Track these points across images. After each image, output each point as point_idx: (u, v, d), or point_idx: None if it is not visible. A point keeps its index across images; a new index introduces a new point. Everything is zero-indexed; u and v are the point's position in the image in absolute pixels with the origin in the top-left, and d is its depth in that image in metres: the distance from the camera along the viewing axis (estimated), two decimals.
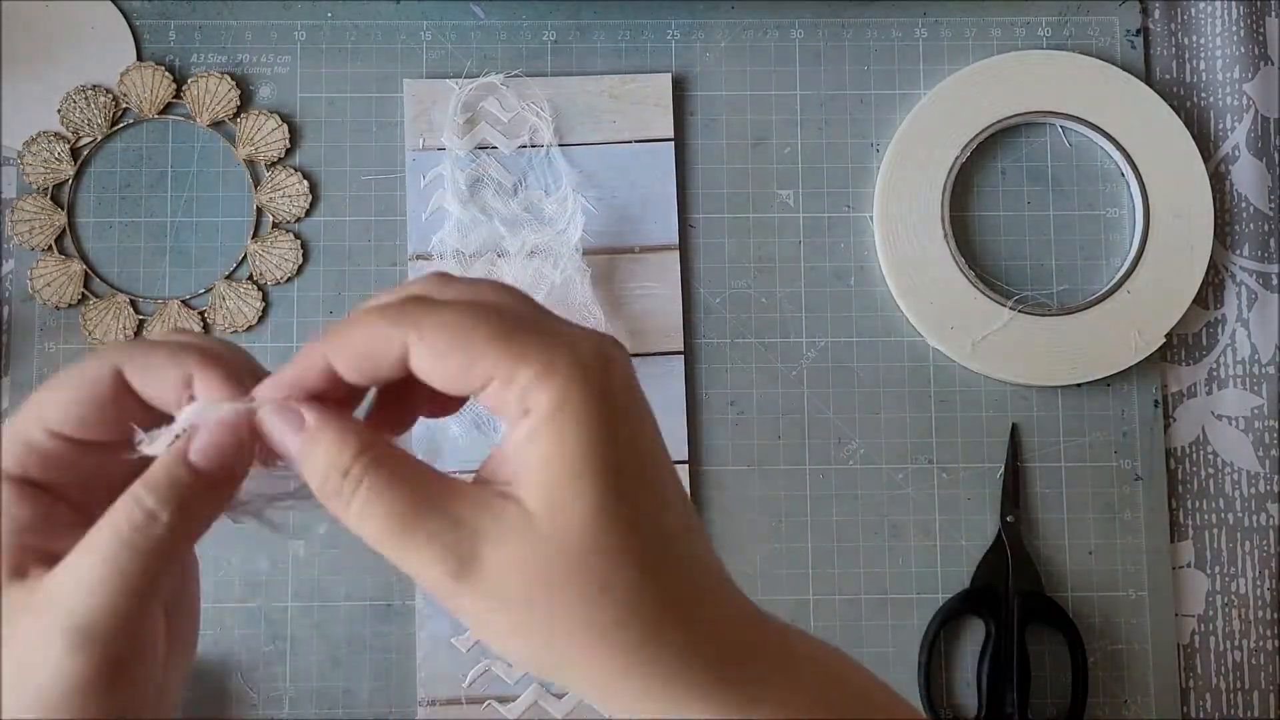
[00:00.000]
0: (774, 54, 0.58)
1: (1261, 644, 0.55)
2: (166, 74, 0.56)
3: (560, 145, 0.56)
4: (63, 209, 0.56)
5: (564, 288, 0.55)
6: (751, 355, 0.56)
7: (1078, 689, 0.53)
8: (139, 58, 0.57)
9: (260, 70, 0.57)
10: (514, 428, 0.28)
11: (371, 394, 0.31)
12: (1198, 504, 0.56)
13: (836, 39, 0.58)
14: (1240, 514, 0.56)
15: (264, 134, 0.56)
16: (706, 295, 0.56)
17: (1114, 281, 0.56)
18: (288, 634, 0.54)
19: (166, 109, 0.57)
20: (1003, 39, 0.58)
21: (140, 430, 0.29)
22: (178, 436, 0.28)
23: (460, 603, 0.27)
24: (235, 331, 0.55)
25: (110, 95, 0.56)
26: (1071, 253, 0.57)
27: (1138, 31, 0.58)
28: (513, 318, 0.28)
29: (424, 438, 0.54)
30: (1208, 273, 0.56)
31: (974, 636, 0.55)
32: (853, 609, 0.55)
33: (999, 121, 0.57)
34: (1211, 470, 0.56)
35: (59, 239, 0.56)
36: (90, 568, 0.27)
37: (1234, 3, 0.58)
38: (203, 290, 0.56)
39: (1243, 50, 0.58)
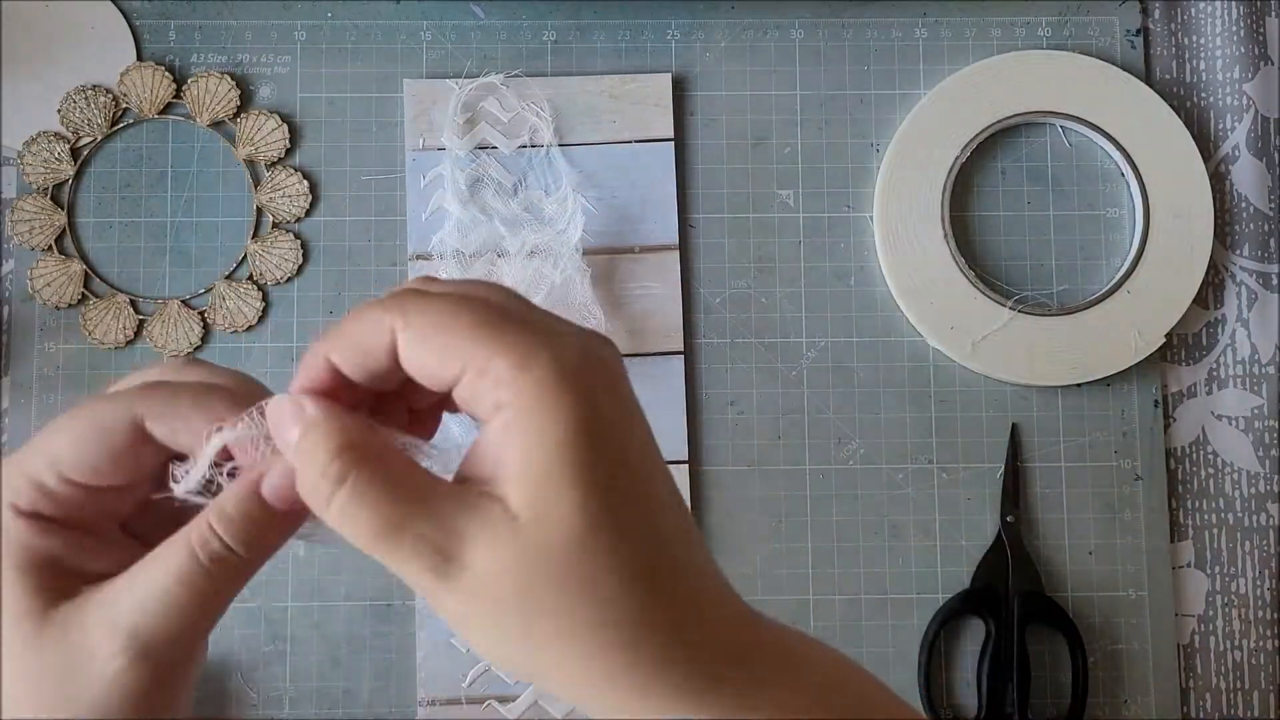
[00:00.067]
0: (774, 54, 0.58)
1: (1261, 644, 0.55)
2: (166, 74, 0.56)
3: (560, 145, 0.56)
4: (63, 209, 0.56)
5: (564, 288, 0.55)
6: (751, 355, 0.56)
7: (1078, 689, 0.53)
8: (139, 58, 0.57)
9: (260, 70, 0.57)
10: (488, 423, 0.27)
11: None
12: (1198, 504, 0.56)
13: (836, 39, 0.58)
14: (1240, 514, 0.56)
15: (264, 134, 0.56)
16: (706, 295, 0.56)
17: (1114, 281, 0.56)
18: (288, 634, 0.54)
19: (166, 109, 0.57)
20: (1003, 39, 0.58)
21: (175, 468, 0.29)
22: (214, 472, 0.28)
23: (443, 602, 0.27)
24: (235, 331, 0.55)
25: (110, 95, 0.56)
26: (1071, 253, 0.57)
27: (1138, 31, 0.58)
28: (499, 311, 0.27)
29: None
30: (1208, 273, 0.56)
31: (974, 636, 0.55)
32: (853, 609, 0.55)
33: (999, 121, 0.57)
34: (1211, 470, 0.56)
35: (59, 239, 0.56)
36: (163, 588, 0.28)
37: (1234, 3, 0.58)
38: (203, 290, 0.56)
39: (1243, 50, 0.58)
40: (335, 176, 0.57)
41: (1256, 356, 0.57)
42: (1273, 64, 0.59)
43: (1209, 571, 0.56)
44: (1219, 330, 0.57)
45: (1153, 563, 0.55)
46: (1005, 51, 0.58)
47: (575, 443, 0.26)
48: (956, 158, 0.57)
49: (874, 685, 0.30)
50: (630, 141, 0.57)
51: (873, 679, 0.30)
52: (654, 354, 0.55)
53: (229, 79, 0.57)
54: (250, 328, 0.55)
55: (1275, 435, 0.56)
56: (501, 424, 0.26)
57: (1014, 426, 0.56)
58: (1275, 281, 0.57)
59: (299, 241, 0.56)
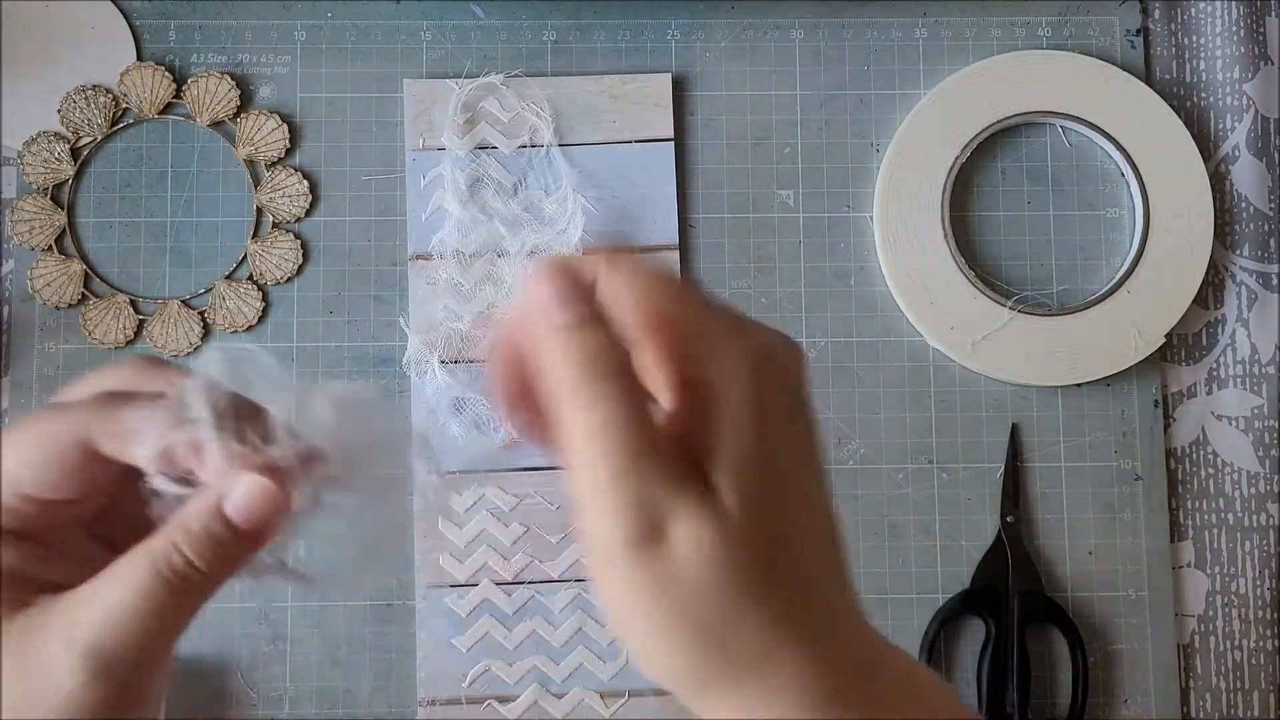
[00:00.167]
0: (774, 54, 0.58)
1: (1261, 644, 0.55)
2: (166, 74, 0.56)
3: (560, 145, 0.56)
4: (63, 209, 0.56)
5: None
6: None
7: (1078, 689, 0.53)
8: (139, 58, 0.57)
9: (260, 70, 0.57)
10: (701, 394, 0.26)
11: None
12: (1198, 504, 0.56)
13: (836, 39, 0.58)
14: (1240, 514, 0.56)
15: (264, 134, 0.56)
16: None
17: (1114, 281, 0.56)
18: (288, 634, 0.54)
19: (166, 109, 0.57)
20: (1003, 39, 0.58)
21: (152, 474, 0.28)
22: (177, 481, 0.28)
23: (625, 575, 0.26)
24: (235, 331, 0.55)
25: (110, 95, 0.56)
26: (1071, 253, 0.57)
27: (1138, 31, 0.58)
28: (722, 309, 0.27)
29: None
30: (1208, 273, 0.56)
31: (974, 636, 0.55)
32: None
33: (999, 121, 0.57)
34: (1211, 470, 0.56)
35: (59, 239, 0.56)
36: (123, 603, 0.27)
37: (1234, 3, 0.58)
38: (203, 290, 0.56)
39: (1243, 50, 0.58)
40: (335, 176, 0.57)
41: (1256, 356, 0.57)
42: (1273, 64, 0.59)
43: (1209, 571, 0.56)
44: (1219, 330, 0.57)
45: (1153, 563, 0.55)
46: (1005, 51, 0.58)
47: (794, 437, 0.27)
48: (956, 158, 0.57)
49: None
50: (630, 141, 0.57)
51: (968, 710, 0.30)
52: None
53: (229, 79, 0.57)
54: (250, 328, 0.55)
55: (1275, 435, 0.56)
56: (722, 409, 0.26)
57: (1014, 426, 0.56)
58: (1275, 281, 0.57)
59: (299, 241, 0.56)
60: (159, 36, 0.57)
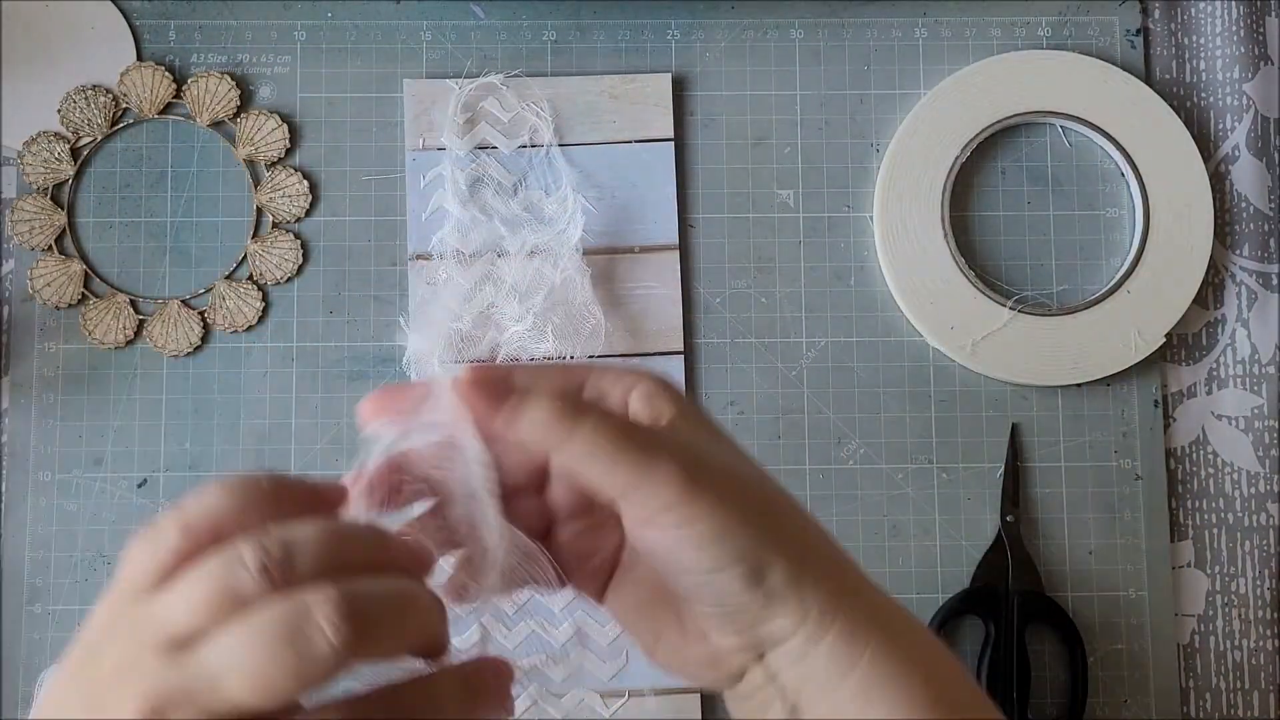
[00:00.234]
0: (774, 54, 0.58)
1: (1261, 644, 0.55)
2: (166, 74, 0.56)
3: (560, 145, 0.56)
4: (63, 209, 0.56)
5: (564, 288, 0.55)
6: (751, 355, 0.56)
7: (1078, 689, 0.53)
8: (139, 58, 0.57)
9: (260, 70, 0.57)
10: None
11: None
12: (1198, 504, 0.56)
13: (836, 39, 0.58)
14: (1240, 514, 0.56)
15: (264, 134, 0.56)
16: (706, 295, 0.56)
17: (1114, 281, 0.56)
18: None
19: (166, 109, 0.57)
20: (1003, 39, 0.58)
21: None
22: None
23: (691, 496, 0.32)
24: (235, 331, 0.55)
25: (110, 95, 0.56)
26: (1071, 253, 0.57)
27: (1138, 31, 0.58)
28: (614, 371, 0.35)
29: None
30: (1208, 273, 0.56)
31: (974, 636, 0.55)
32: None
33: (999, 121, 0.57)
34: (1211, 470, 0.56)
35: (59, 239, 0.56)
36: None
37: (1234, 3, 0.58)
38: (203, 290, 0.56)
39: (1243, 50, 0.58)
40: (335, 176, 0.57)
41: (1256, 356, 0.57)
42: (1273, 64, 0.59)
43: (1209, 571, 0.56)
44: (1219, 330, 0.57)
45: (1153, 563, 0.55)
46: (1005, 51, 0.58)
47: (707, 423, 0.35)
48: (956, 158, 0.57)
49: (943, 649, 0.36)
50: (630, 141, 0.57)
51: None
52: (654, 354, 0.55)
53: (229, 79, 0.57)
54: (250, 328, 0.55)
55: (1275, 435, 0.56)
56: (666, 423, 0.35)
57: (1014, 426, 0.56)
58: (1275, 281, 0.57)
59: (299, 241, 0.56)
60: (159, 36, 0.57)
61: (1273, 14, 0.59)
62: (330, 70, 0.57)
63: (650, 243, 0.56)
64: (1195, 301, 0.56)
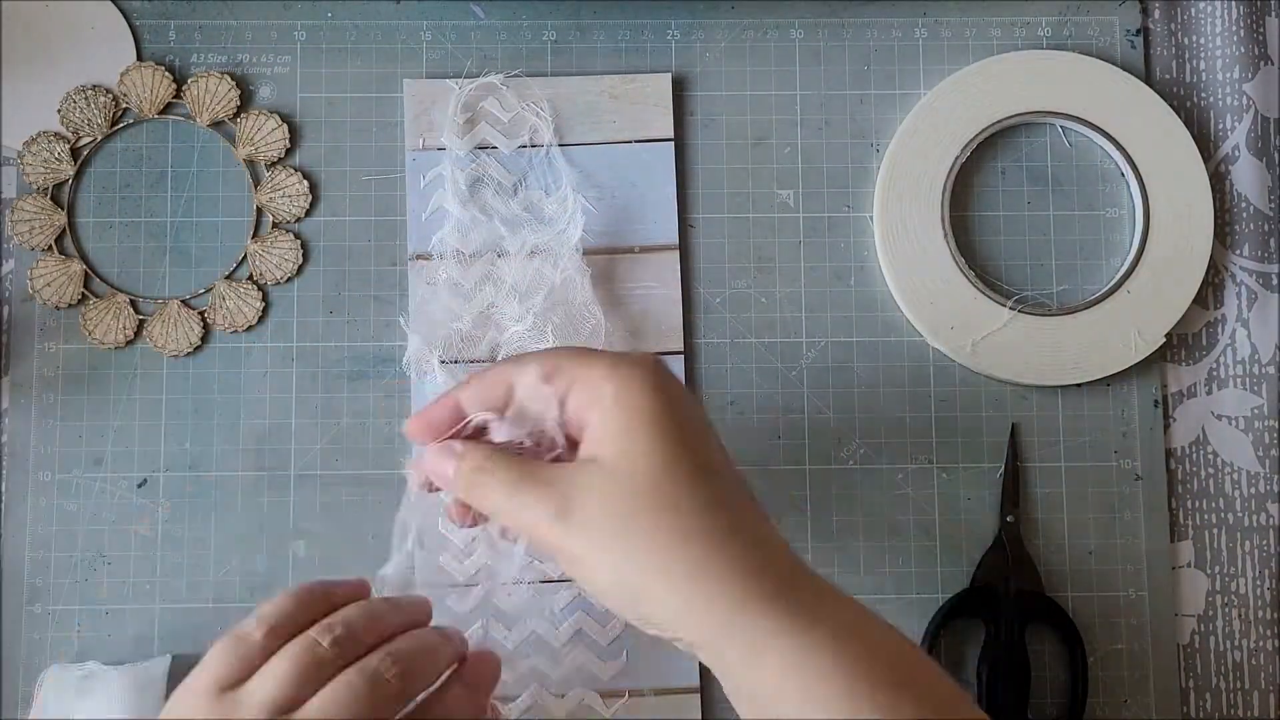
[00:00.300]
0: (774, 54, 0.58)
1: (1261, 644, 0.55)
2: (166, 74, 0.57)
3: (560, 145, 0.56)
4: (63, 209, 0.56)
5: (564, 288, 0.55)
6: (751, 355, 0.56)
7: (1078, 689, 0.53)
8: (139, 58, 0.57)
9: (260, 70, 0.57)
10: (589, 417, 0.39)
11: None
12: (1198, 504, 0.56)
13: (836, 39, 0.58)
14: (1240, 514, 0.56)
15: (264, 134, 0.56)
16: (706, 295, 0.56)
17: (1114, 281, 0.56)
18: None
19: (166, 109, 0.57)
20: (1003, 39, 0.58)
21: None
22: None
23: (564, 544, 0.38)
24: (235, 331, 0.55)
25: (110, 95, 0.56)
26: (1071, 253, 0.57)
27: (1138, 31, 0.58)
28: (585, 349, 0.41)
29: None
30: (1208, 273, 0.56)
31: (974, 636, 0.55)
32: None
33: (999, 121, 0.57)
34: (1211, 470, 0.56)
35: (59, 239, 0.56)
36: None
37: (1234, 3, 0.58)
38: (203, 290, 0.56)
39: (1243, 50, 0.58)
40: (335, 176, 0.57)
41: (1256, 356, 0.57)
42: (1273, 64, 0.59)
43: (1209, 571, 0.56)
44: (1219, 330, 0.57)
45: (1153, 563, 0.55)
46: (1005, 51, 0.58)
47: (655, 409, 0.37)
48: (956, 158, 0.57)
49: (902, 639, 0.38)
50: (630, 141, 0.57)
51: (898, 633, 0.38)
52: (654, 354, 0.55)
53: (229, 79, 0.57)
54: (250, 328, 0.55)
55: (1275, 435, 0.56)
56: (599, 413, 0.38)
57: (1014, 426, 0.56)
58: (1275, 281, 0.57)
59: (299, 241, 0.56)
60: (159, 36, 0.57)
61: (1273, 14, 0.59)
62: (330, 70, 0.57)
63: (650, 243, 0.56)
64: (1195, 301, 0.56)
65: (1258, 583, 0.55)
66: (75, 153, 0.56)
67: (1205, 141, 0.58)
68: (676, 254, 0.56)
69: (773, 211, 0.57)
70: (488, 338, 0.55)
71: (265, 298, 0.56)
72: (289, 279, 0.56)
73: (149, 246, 0.56)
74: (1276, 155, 0.58)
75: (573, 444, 0.40)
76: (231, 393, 0.55)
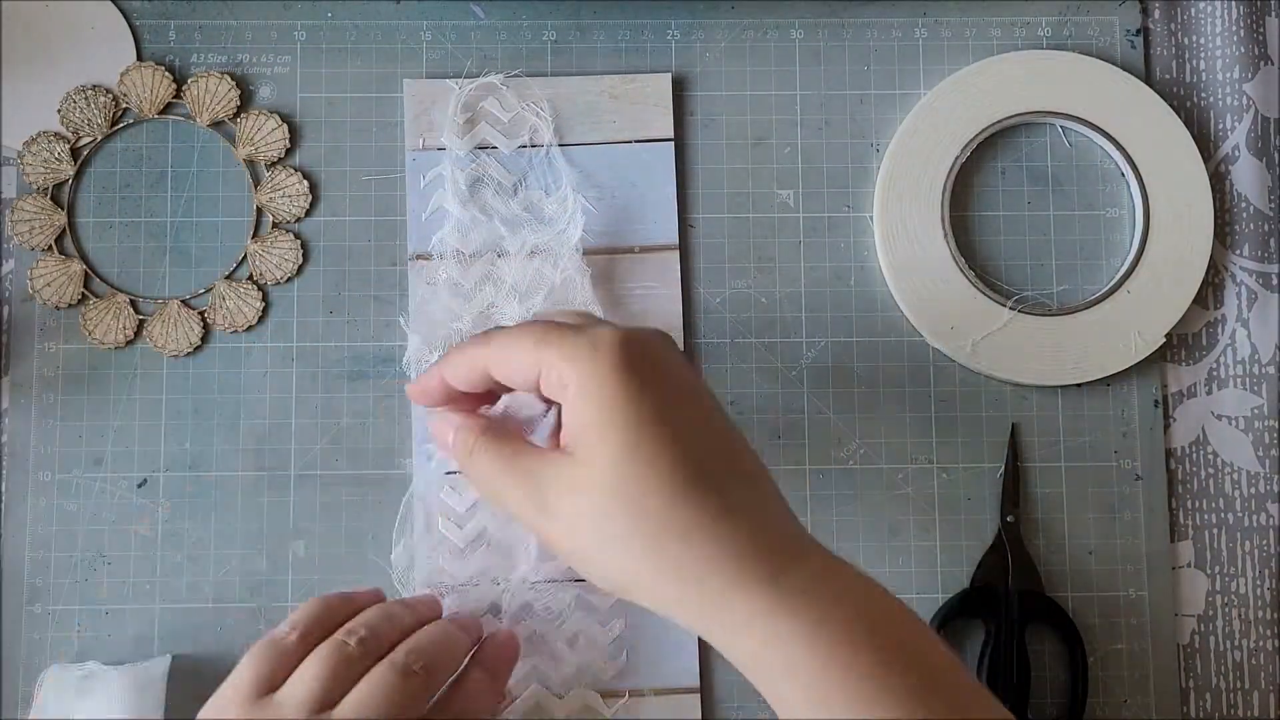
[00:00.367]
0: (774, 54, 0.58)
1: (1261, 644, 0.55)
2: (166, 74, 0.57)
3: (560, 145, 0.56)
4: (63, 209, 0.56)
5: (564, 288, 0.55)
6: (751, 355, 0.56)
7: (1078, 689, 0.53)
8: (139, 58, 0.57)
9: (260, 70, 0.57)
10: (562, 403, 0.38)
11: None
12: (1198, 504, 0.56)
13: (836, 39, 0.58)
14: (1240, 514, 0.56)
15: (264, 134, 0.56)
16: (706, 295, 0.56)
17: (1114, 281, 0.56)
18: None
19: (166, 109, 0.57)
20: (1003, 39, 0.58)
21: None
22: None
23: (548, 534, 0.38)
24: (235, 331, 0.55)
25: (110, 95, 0.56)
26: (1071, 253, 0.57)
27: (1138, 31, 0.58)
28: (553, 327, 0.39)
29: (425, 430, 0.54)
30: (1208, 273, 0.56)
31: (974, 636, 0.55)
32: None
33: (999, 121, 0.57)
34: (1211, 470, 0.56)
35: (59, 239, 0.56)
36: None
37: (1234, 3, 0.58)
38: (203, 290, 0.56)
39: (1243, 50, 0.58)
40: (335, 176, 0.57)
41: (1256, 356, 0.57)
42: (1273, 64, 0.59)
43: (1209, 571, 0.56)
44: (1219, 330, 0.57)
45: (1153, 563, 0.55)
46: (1005, 51, 0.58)
47: (613, 402, 0.36)
48: (956, 158, 0.57)
49: (908, 615, 0.38)
50: (630, 141, 0.57)
51: (906, 609, 0.38)
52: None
53: (229, 79, 0.57)
54: (250, 328, 0.55)
55: (1275, 435, 0.56)
56: (565, 404, 0.38)
57: (1014, 426, 0.56)
58: (1275, 281, 0.57)
59: (299, 241, 0.56)
60: (159, 36, 0.57)
61: (1273, 14, 0.59)
62: (330, 70, 0.57)
63: (650, 243, 0.56)
64: (1195, 301, 0.56)
65: (1258, 583, 0.55)
66: (75, 153, 0.56)
67: (1205, 141, 0.58)
68: (676, 254, 0.56)
69: (773, 211, 0.57)
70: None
71: (265, 298, 0.56)
72: (289, 279, 0.56)
73: (149, 246, 0.56)
74: (1276, 155, 0.58)
75: None
76: (231, 393, 0.55)
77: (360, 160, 0.57)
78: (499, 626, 0.53)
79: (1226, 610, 0.55)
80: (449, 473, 0.54)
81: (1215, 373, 0.57)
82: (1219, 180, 0.58)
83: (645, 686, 0.53)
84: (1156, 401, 0.56)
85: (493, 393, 0.44)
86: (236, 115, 0.57)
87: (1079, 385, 0.56)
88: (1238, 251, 0.58)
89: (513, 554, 0.53)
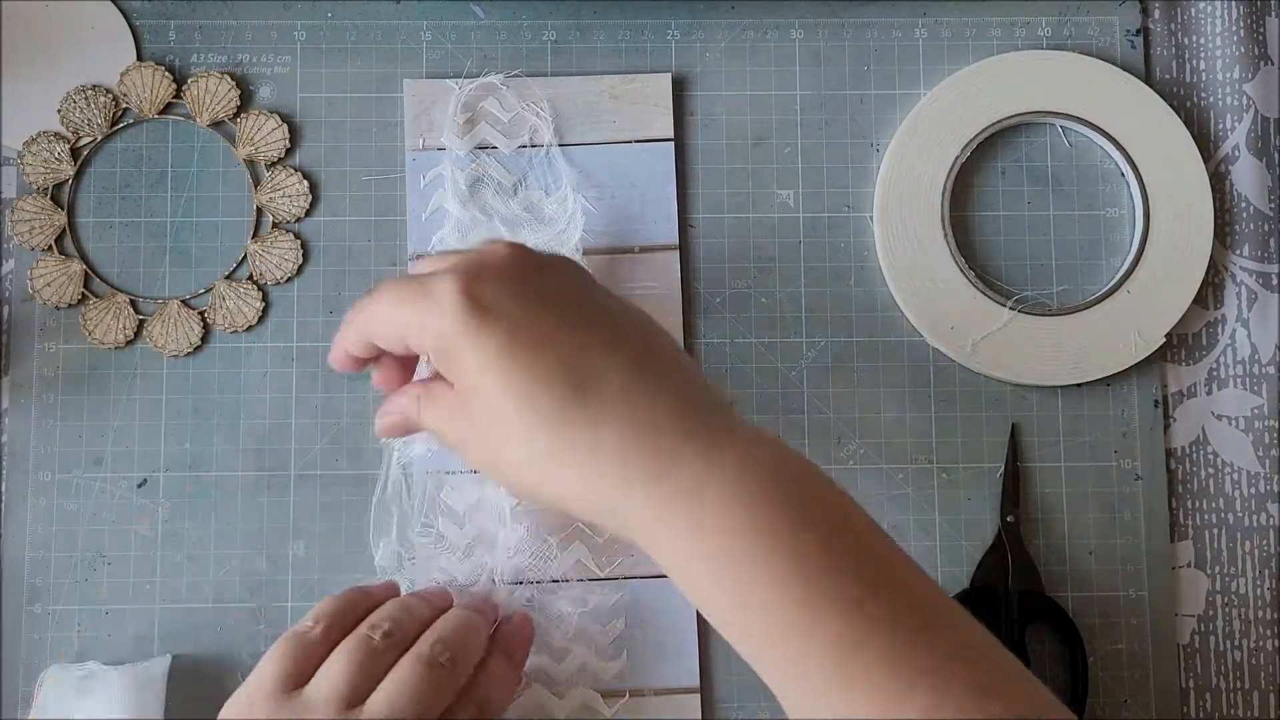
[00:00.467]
0: (774, 54, 0.58)
1: (1261, 644, 0.55)
2: (166, 74, 0.57)
3: (560, 145, 0.56)
4: (63, 209, 0.56)
5: None
6: (751, 355, 0.56)
7: (1078, 689, 0.53)
8: (139, 58, 0.57)
9: (260, 70, 0.57)
10: (436, 364, 0.40)
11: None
12: (1198, 504, 0.56)
13: (836, 39, 0.58)
14: (1240, 514, 0.56)
15: (264, 134, 0.56)
16: (706, 295, 0.56)
17: (1114, 281, 0.56)
18: None
19: (166, 109, 0.57)
20: (1003, 39, 0.58)
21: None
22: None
23: (495, 477, 0.41)
24: (235, 331, 0.55)
25: (110, 95, 0.56)
26: (1071, 253, 0.57)
27: (1138, 31, 0.58)
28: (405, 286, 0.40)
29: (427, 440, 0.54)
30: (1208, 273, 0.56)
31: None
32: None
33: (999, 121, 0.57)
34: (1211, 470, 0.56)
35: (59, 239, 0.56)
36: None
37: (1234, 3, 0.58)
38: (203, 290, 0.56)
39: (1243, 50, 0.58)
40: (335, 176, 0.57)
41: (1256, 356, 0.57)
42: (1273, 64, 0.59)
43: (1209, 571, 0.56)
44: (1219, 330, 0.57)
45: (1153, 563, 0.55)
46: (1005, 51, 0.58)
47: (467, 349, 0.38)
48: (956, 158, 0.57)
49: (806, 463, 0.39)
50: (630, 141, 0.57)
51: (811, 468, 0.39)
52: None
53: (229, 79, 0.57)
54: (250, 328, 0.55)
55: (1275, 435, 0.56)
56: (436, 362, 0.40)
57: (1014, 426, 0.56)
58: (1275, 281, 0.58)
59: (299, 241, 0.56)
60: (159, 36, 0.57)
61: (1273, 14, 0.59)
62: (330, 70, 0.57)
63: (650, 243, 0.56)
64: (1195, 301, 0.56)
65: (1258, 583, 0.55)
66: (75, 153, 0.56)
67: (1205, 141, 0.58)
68: (676, 254, 0.56)
69: (773, 211, 0.57)
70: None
71: (265, 298, 0.56)
72: (289, 279, 0.56)
73: (149, 246, 0.56)
74: (1276, 155, 0.58)
75: None
76: (231, 393, 0.55)
77: (360, 160, 0.57)
78: (511, 604, 0.53)
79: (1226, 610, 0.55)
80: (449, 472, 0.54)
81: (1215, 373, 0.57)
82: (1219, 180, 0.58)
83: (645, 686, 0.53)
84: (1156, 401, 0.56)
85: None
86: (236, 115, 0.57)
87: (1079, 385, 0.56)
88: (1238, 251, 0.58)
89: (512, 555, 0.53)
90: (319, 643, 0.44)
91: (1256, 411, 0.57)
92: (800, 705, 0.34)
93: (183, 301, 0.56)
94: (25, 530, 0.54)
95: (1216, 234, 0.57)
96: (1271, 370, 0.57)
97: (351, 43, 0.57)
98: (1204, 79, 0.59)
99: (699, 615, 0.53)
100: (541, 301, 0.39)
